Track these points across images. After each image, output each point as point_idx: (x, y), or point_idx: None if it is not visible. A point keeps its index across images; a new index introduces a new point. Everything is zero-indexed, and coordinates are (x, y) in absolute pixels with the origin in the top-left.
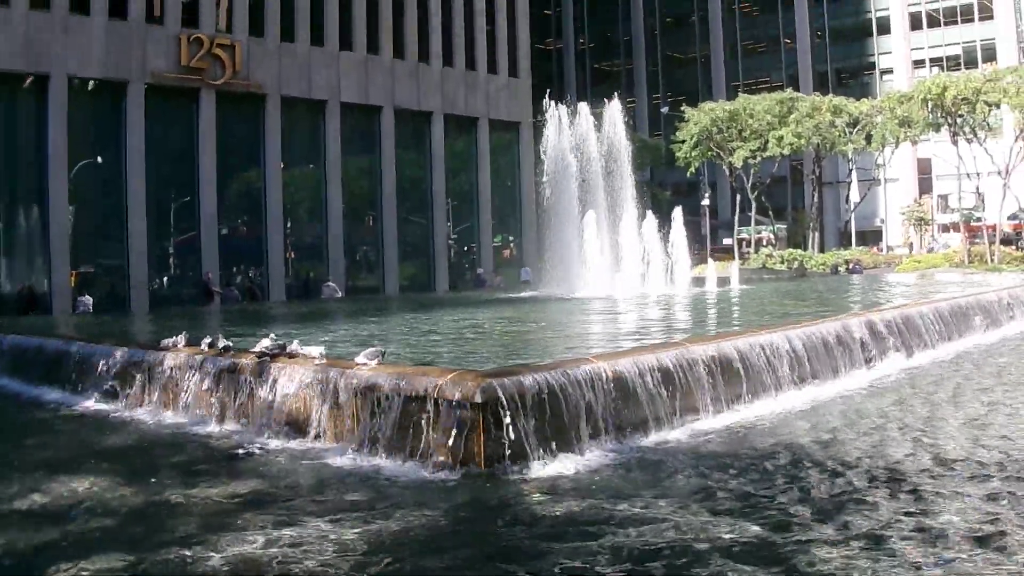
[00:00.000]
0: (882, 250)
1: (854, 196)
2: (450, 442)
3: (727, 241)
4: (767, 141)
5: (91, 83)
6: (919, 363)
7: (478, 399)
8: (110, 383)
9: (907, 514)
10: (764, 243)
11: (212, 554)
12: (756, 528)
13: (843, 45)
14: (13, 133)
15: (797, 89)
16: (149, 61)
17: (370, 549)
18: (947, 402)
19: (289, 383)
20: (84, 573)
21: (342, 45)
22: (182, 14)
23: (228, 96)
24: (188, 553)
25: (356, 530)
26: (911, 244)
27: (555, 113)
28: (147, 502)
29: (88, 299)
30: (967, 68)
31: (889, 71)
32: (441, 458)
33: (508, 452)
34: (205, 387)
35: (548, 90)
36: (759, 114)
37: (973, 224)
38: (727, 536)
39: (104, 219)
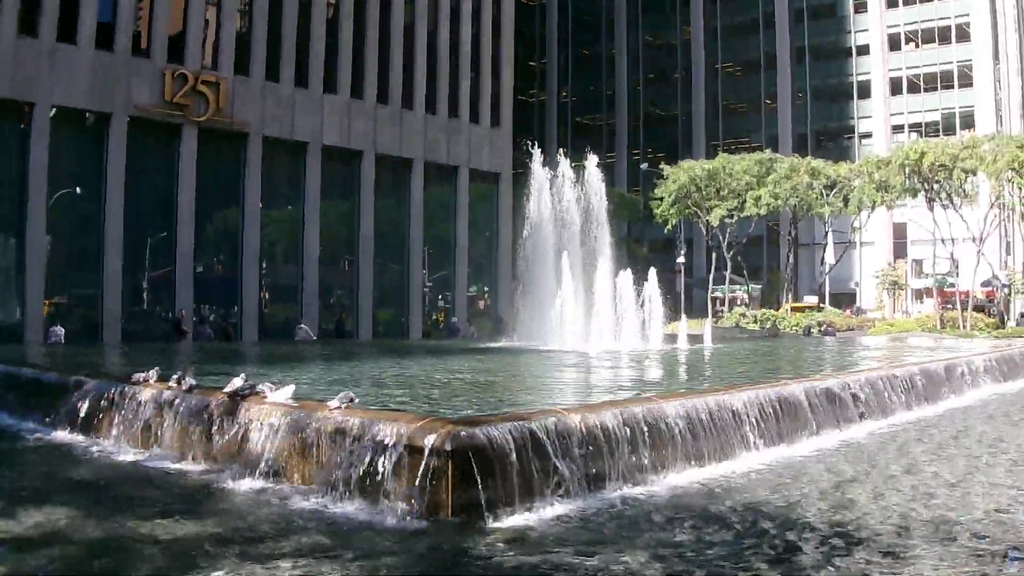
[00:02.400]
0: (855, 313)
1: (829, 258)
2: (418, 490)
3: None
4: (745, 201)
5: (75, 113)
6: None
7: (448, 447)
8: (80, 415)
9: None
10: (738, 302)
11: None
12: None
13: (824, 108)
14: None
15: (776, 150)
16: (133, 94)
17: None
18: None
19: (258, 424)
20: None
21: (326, 88)
22: (168, 49)
23: (210, 133)
24: None
25: (316, 573)
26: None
27: (535, 165)
28: (105, 537)
29: (60, 329)
30: (945, 134)
31: (868, 135)
32: (409, 505)
33: (477, 501)
34: (174, 424)
35: (531, 140)
36: (738, 174)
37: (946, 290)
38: None
39: (80, 250)
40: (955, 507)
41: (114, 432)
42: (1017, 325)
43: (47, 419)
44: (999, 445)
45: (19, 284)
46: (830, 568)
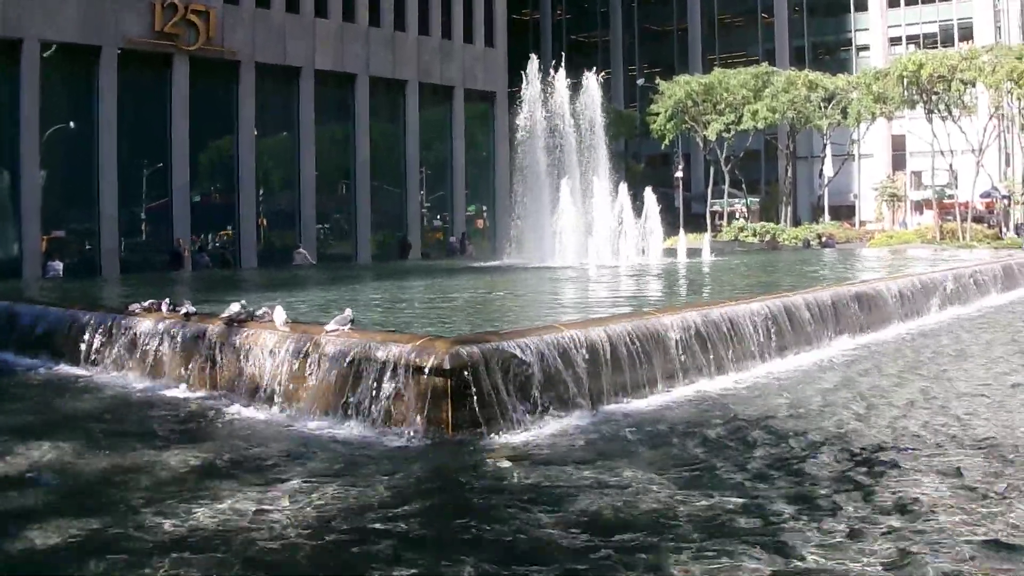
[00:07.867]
0: (854, 225)
1: (828, 171)
2: (419, 408)
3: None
4: (742, 115)
5: (64, 48)
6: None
7: (447, 366)
8: (81, 347)
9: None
10: (737, 216)
11: (173, 519)
12: (712, 497)
13: (820, 21)
14: None
15: (773, 64)
16: (122, 26)
17: (330, 514)
18: None
19: (257, 349)
20: (46, 538)
21: (317, 12)
22: None
23: (202, 63)
24: (149, 519)
25: (319, 495)
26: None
27: (531, 82)
28: (111, 467)
29: (58, 264)
30: (944, 46)
31: (866, 48)
32: (409, 425)
33: (476, 418)
34: (174, 352)
35: (533, 56)
36: (734, 88)
37: (946, 201)
38: (686, 504)
39: (75, 184)
40: None
41: (116, 363)
42: (1017, 235)
43: (49, 353)
44: None
45: (15, 220)
46: None
